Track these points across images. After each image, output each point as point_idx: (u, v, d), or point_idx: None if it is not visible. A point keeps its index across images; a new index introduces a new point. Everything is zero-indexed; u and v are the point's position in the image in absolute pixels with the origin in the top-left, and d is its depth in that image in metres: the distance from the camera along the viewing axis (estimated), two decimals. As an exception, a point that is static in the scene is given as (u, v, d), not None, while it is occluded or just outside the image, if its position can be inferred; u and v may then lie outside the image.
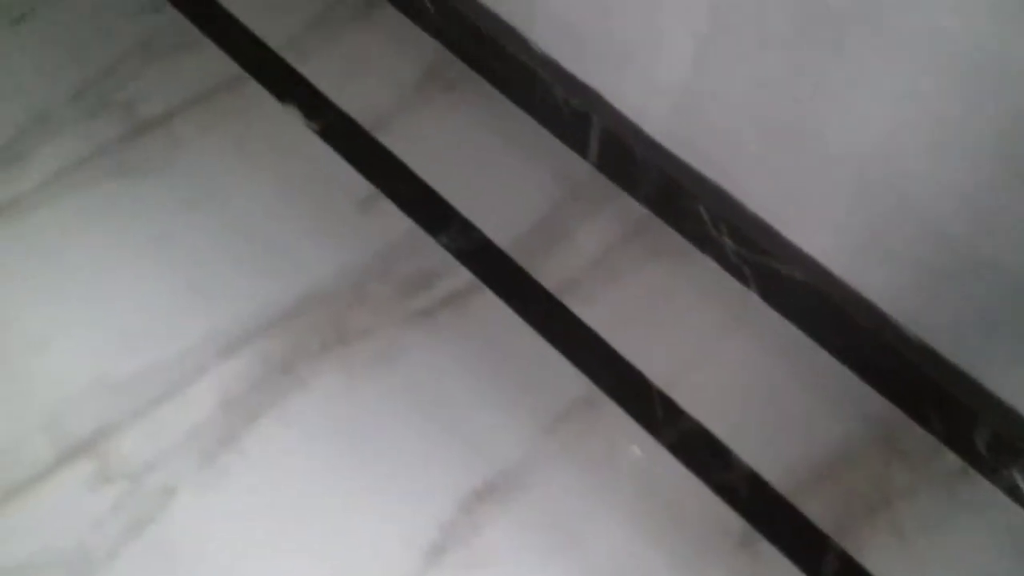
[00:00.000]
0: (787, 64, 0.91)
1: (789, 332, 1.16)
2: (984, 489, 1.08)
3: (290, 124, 1.29)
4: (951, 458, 1.09)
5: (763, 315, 1.17)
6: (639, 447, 1.10)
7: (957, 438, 1.07)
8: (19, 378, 1.11)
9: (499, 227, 1.23)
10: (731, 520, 1.06)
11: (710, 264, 1.20)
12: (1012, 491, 1.05)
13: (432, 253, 1.21)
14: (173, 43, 1.34)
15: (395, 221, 1.23)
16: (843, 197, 0.98)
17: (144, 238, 1.19)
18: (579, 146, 1.26)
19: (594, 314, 1.18)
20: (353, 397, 1.12)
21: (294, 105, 1.30)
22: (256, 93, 1.31)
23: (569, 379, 1.14)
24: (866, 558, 1.04)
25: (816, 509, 1.07)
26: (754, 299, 1.18)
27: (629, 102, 1.15)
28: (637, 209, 1.24)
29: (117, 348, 1.12)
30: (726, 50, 0.95)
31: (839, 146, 0.93)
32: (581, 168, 1.28)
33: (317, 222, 1.22)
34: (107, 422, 1.08)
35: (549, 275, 1.20)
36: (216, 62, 1.33)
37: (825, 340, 1.13)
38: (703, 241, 1.18)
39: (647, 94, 1.11)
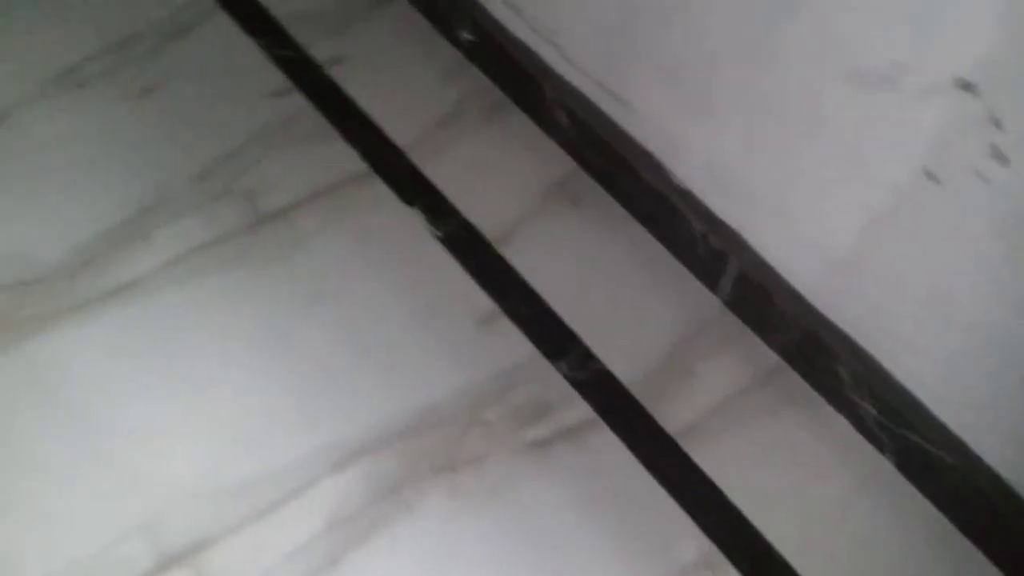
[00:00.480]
0: (970, 255, 0.87)
1: (924, 508, 1.11)
2: None
3: (414, 228, 1.26)
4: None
5: (897, 486, 1.12)
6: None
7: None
8: (122, 473, 1.07)
9: (621, 359, 1.19)
10: None
11: (842, 423, 1.15)
12: None
13: (550, 381, 1.17)
14: (299, 132, 1.32)
15: (514, 342, 1.19)
16: (1001, 382, 0.93)
17: (260, 333, 1.16)
18: (711, 282, 1.22)
19: (715, 463, 1.13)
20: (459, 527, 1.07)
21: (419, 208, 1.28)
22: (381, 192, 1.29)
23: (685, 533, 1.08)
24: None
25: None
26: (887, 466, 1.13)
27: (776, 252, 1.11)
28: (768, 355, 1.19)
29: (225, 451, 1.08)
30: (905, 231, 0.92)
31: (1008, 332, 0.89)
32: (711, 303, 1.23)
33: (435, 335, 1.18)
34: (209, 531, 1.04)
35: (670, 416, 1.16)
36: (342, 156, 1.31)
37: (964, 524, 1.07)
38: (839, 400, 1.13)
39: (798, 248, 1.07)
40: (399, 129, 1.34)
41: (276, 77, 1.36)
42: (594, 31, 1.15)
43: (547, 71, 1.28)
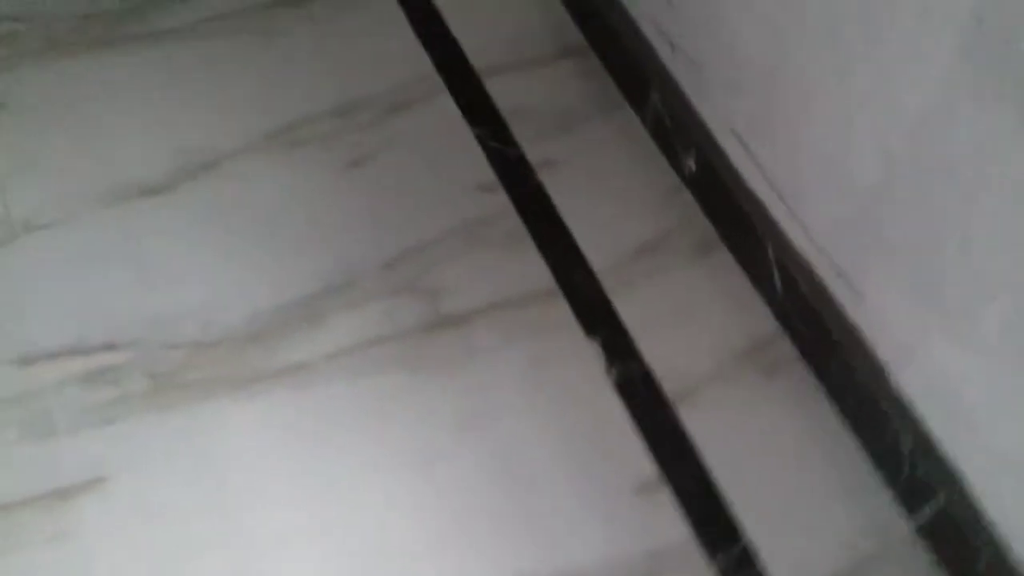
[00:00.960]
0: None
1: None
2: None
3: (589, 363, 1.18)
4: None
5: None
6: None
7: None
8: (236, 554, 1.04)
9: (787, 569, 1.06)
10: None
11: None
12: None
13: (702, 576, 1.06)
14: (496, 233, 1.27)
15: (672, 521, 1.08)
16: None
17: (411, 447, 1.11)
18: (908, 506, 1.07)
19: None
20: None
21: (599, 342, 1.19)
22: (564, 316, 1.21)
23: None
24: None
25: None
26: None
27: (997, 508, 0.95)
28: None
29: (344, 564, 1.04)
30: None
31: None
32: (902, 528, 1.08)
33: (589, 491, 1.09)
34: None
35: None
36: (533, 267, 1.25)
37: None
38: None
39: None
40: (597, 249, 1.26)
41: (485, 170, 1.32)
42: (839, 202, 1.03)
43: (772, 226, 1.16)
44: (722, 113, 1.18)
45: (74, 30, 1.41)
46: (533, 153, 1.34)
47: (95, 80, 1.36)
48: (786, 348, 1.20)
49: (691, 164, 1.27)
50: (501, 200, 1.30)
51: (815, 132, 1.01)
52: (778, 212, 1.14)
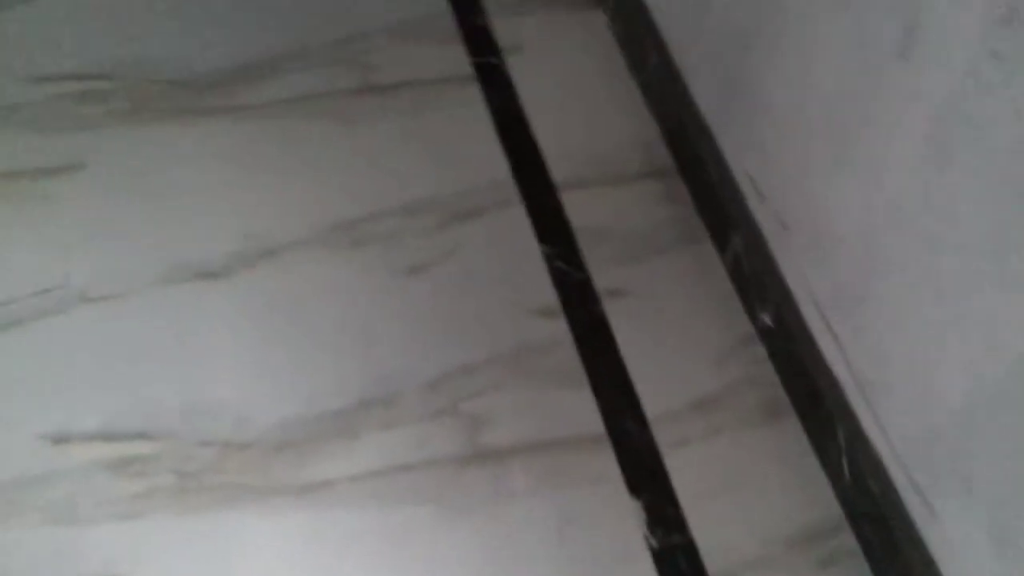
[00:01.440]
0: None
1: None
2: None
3: (628, 524, 1.10)
4: None
5: None
6: None
7: None
8: None
9: None
10: None
11: None
12: None
13: None
14: (549, 364, 1.20)
15: None
16: None
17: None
18: None
19: None
20: None
21: (642, 502, 1.11)
22: (607, 467, 1.14)
23: None
24: None
25: None
26: None
27: None
28: None
29: None
30: None
31: None
32: None
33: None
34: None
35: None
36: (582, 408, 1.17)
37: None
38: None
39: None
40: (655, 395, 1.18)
41: (547, 293, 1.25)
42: (920, 414, 0.92)
43: (846, 410, 1.06)
44: (805, 279, 1.09)
45: (161, 94, 1.41)
46: (601, 279, 1.27)
47: (173, 149, 1.35)
48: (847, 541, 1.09)
49: (767, 319, 1.18)
50: (559, 328, 1.23)
51: (904, 335, 0.91)
52: (854, 398, 1.04)
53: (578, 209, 1.32)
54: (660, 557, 1.08)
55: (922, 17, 0.78)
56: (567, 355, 1.21)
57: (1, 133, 1.37)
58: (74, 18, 1.48)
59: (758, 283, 1.18)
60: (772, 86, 1.03)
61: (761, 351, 1.21)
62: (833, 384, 1.07)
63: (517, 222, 1.31)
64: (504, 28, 1.48)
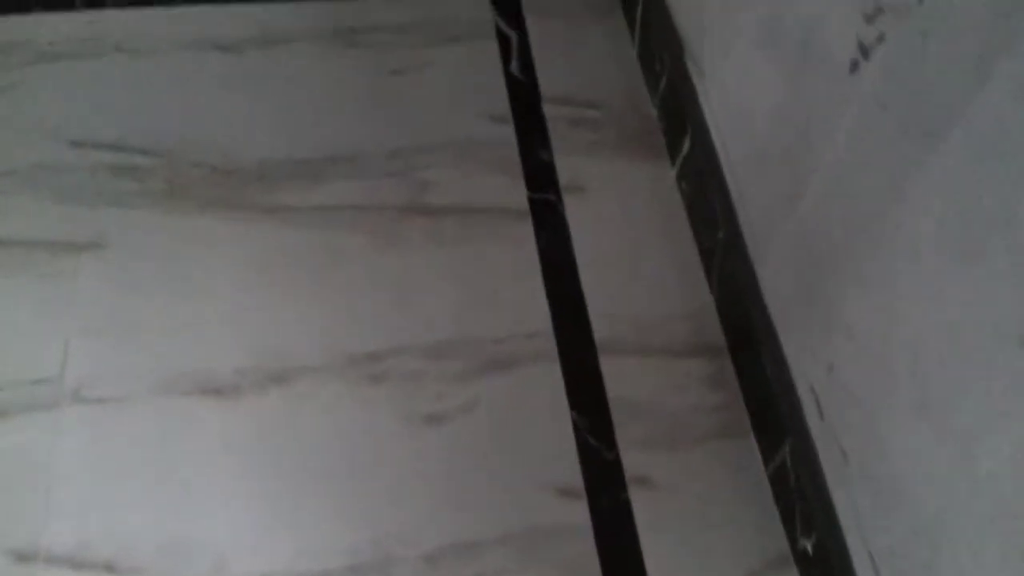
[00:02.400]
0: None
1: None
2: None
3: None
4: None
5: None
6: None
7: None
8: None
9: None
10: None
11: None
12: None
13: None
14: (561, 555, 1.09)
15: None
16: None
17: None
18: None
19: None
20: None
21: None
22: None
23: None
24: None
25: None
26: None
27: None
28: None
29: None
30: None
31: None
32: None
33: None
34: None
35: None
36: (592, 611, 1.07)
37: None
38: None
39: None
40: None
41: (572, 470, 1.15)
42: None
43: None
44: (859, 519, 0.98)
45: (202, 180, 1.34)
46: (631, 462, 1.16)
47: (202, 243, 1.28)
48: None
49: (807, 545, 1.07)
50: (578, 512, 1.12)
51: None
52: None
53: (616, 377, 1.23)
54: None
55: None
56: (582, 545, 1.10)
57: (28, 194, 1.30)
58: (122, 82, 1.43)
59: (803, 503, 1.08)
60: (856, 313, 0.94)
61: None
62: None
63: (550, 380, 1.21)
64: (567, 166, 1.41)
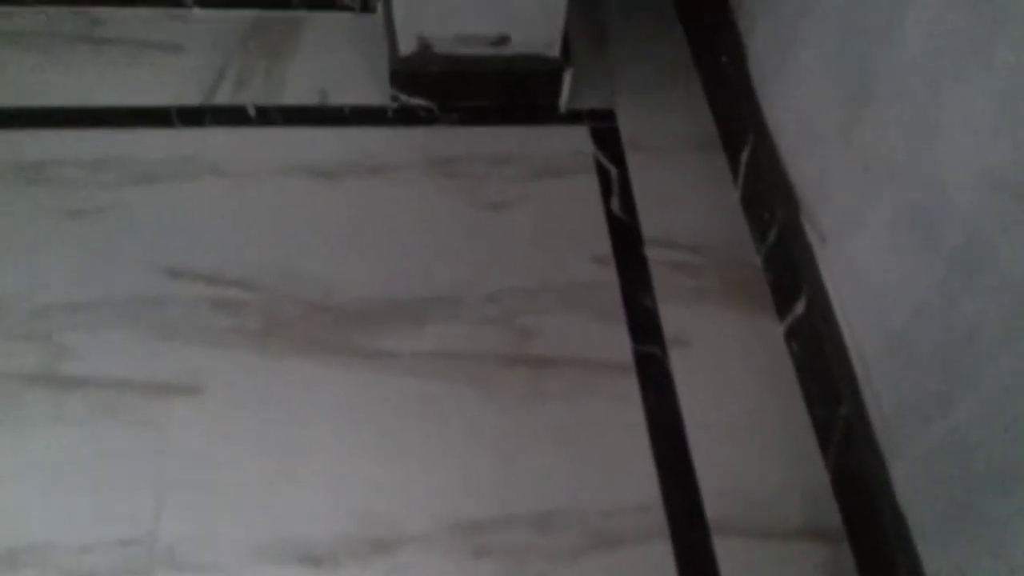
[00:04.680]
0: None
1: None
2: None
3: None
4: None
5: None
6: None
7: None
8: None
9: None
10: None
11: None
12: None
13: None
14: None
15: None
16: None
17: None
18: None
19: None
20: None
21: None
22: None
23: None
24: None
25: None
26: None
27: None
28: None
29: None
30: None
31: None
32: None
33: None
34: None
35: None
36: None
37: None
38: None
39: None
40: None
41: (683, 665, 1.09)
42: None
43: None
44: None
45: (300, 319, 1.30)
46: (745, 661, 1.10)
47: (301, 390, 1.23)
48: None
49: None
50: None
51: None
52: None
53: (728, 559, 1.17)
54: None
55: None
56: None
57: (124, 329, 1.26)
58: (218, 206, 1.40)
59: None
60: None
61: None
62: None
63: (659, 564, 1.15)
64: (671, 315, 1.36)
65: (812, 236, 1.30)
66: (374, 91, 1.58)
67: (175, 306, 1.29)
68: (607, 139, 1.58)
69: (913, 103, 1.04)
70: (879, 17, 1.11)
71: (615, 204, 1.49)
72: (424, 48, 1.49)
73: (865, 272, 1.16)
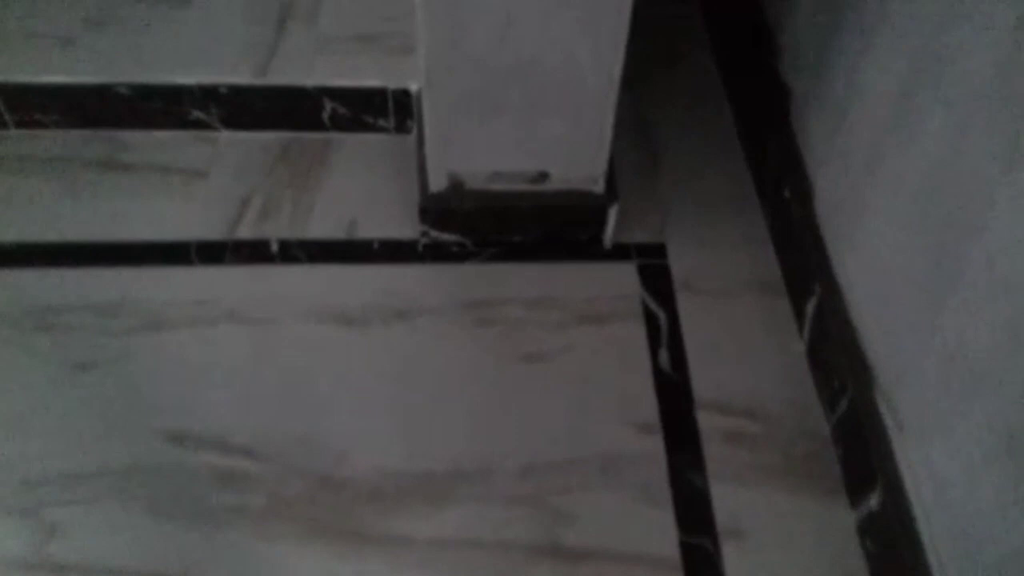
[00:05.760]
0: None
1: None
2: None
3: None
4: None
5: None
6: None
7: None
8: None
9: None
10: None
11: None
12: None
13: None
14: None
15: None
16: None
17: None
18: None
19: None
20: None
21: None
22: None
23: None
24: None
25: None
26: None
27: None
28: None
29: None
30: None
31: None
32: None
33: None
34: None
35: None
36: None
37: None
38: None
39: None
40: None
41: None
42: None
43: None
44: None
45: (304, 496, 1.17)
46: None
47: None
48: None
49: None
50: None
51: None
52: None
53: None
54: None
55: None
56: None
57: (119, 504, 1.16)
58: (233, 357, 1.30)
59: None
60: None
61: None
62: None
63: None
64: (724, 497, 1.20)
65: (888, 420, 1.13)
66: (407, 222, 1.47)
67: (176, 477, 1.19)
68: (656, 278, 1.44)
69: (1012, 302, 0.88)
70: (966, 189, 0.95)
71: (663, 358, 1.34)
72: (456, 185, 1.38)
73: (951, 485, 0.99)
